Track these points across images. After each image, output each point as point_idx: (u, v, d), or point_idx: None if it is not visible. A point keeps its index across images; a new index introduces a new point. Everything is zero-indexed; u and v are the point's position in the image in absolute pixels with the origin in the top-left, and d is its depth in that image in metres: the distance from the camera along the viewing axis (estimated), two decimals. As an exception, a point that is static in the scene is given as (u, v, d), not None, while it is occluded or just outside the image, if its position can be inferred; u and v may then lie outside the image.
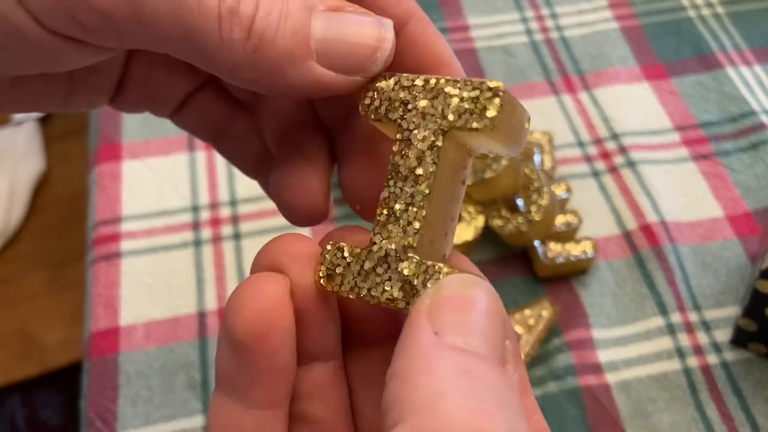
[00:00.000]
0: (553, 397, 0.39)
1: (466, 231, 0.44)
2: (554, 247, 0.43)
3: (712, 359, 0.41)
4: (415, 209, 0.20)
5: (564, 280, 0.44)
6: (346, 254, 0.20)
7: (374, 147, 0.23)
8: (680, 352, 0.41)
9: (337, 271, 0.20)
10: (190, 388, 0.40)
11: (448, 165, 0.20)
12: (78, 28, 0.17)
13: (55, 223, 0.75)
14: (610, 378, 0.40)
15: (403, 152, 0.20)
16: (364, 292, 0.20)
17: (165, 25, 0.17)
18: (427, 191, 0.20)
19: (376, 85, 0.21)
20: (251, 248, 0.45)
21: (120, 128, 0.51)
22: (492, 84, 0.19)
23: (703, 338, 0.41)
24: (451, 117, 0.20)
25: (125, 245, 0.45)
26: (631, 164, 0.48)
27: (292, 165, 0.23)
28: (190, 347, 0.41)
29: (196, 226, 0.46)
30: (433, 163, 0.20)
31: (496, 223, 0.43)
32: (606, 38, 0.56)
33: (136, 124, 0.51)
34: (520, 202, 0.43)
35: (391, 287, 0.20)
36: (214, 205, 0.47)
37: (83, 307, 0.44)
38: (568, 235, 0.44)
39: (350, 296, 0.20)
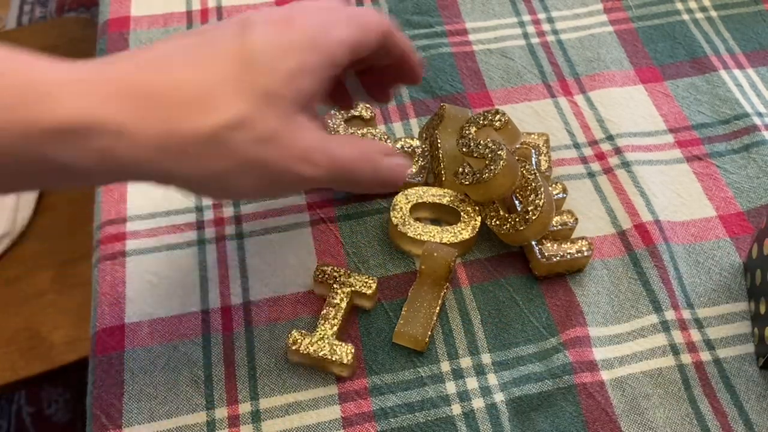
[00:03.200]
0: (549, 394, 0.40)
1: (464, 230, 0.44)
2: (551, 246, 0.44)
3: (705, 356, 0.41)
4: None
5: (560, 278, 0.44)
6: None
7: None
8: (674, 349, 0.42)
9: None
10: (194, 385, 0.40)
11: None
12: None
13: (61, 223, 0.75)
14: (605, 375, 0.40)
15: None
16: None
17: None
18: None
19: None
20: (254, 247, 0.45)
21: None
22: None
23: (696, 335, 0.42)
24: None
25: (130, 245, 0.45)
26: (625, 165, 0.49)
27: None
28: (194, 345, 0.42)
29: (199, 225, 0.46)
30: None
31: (494, 222, 0.44)
32: (601, 41, 0.57)
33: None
34: (517, 202, 0.44)
35: None
36: (217, 205, 0.47)
37: (89, 305, 0.44)
38: (564, 234, 0.45)
39: None
